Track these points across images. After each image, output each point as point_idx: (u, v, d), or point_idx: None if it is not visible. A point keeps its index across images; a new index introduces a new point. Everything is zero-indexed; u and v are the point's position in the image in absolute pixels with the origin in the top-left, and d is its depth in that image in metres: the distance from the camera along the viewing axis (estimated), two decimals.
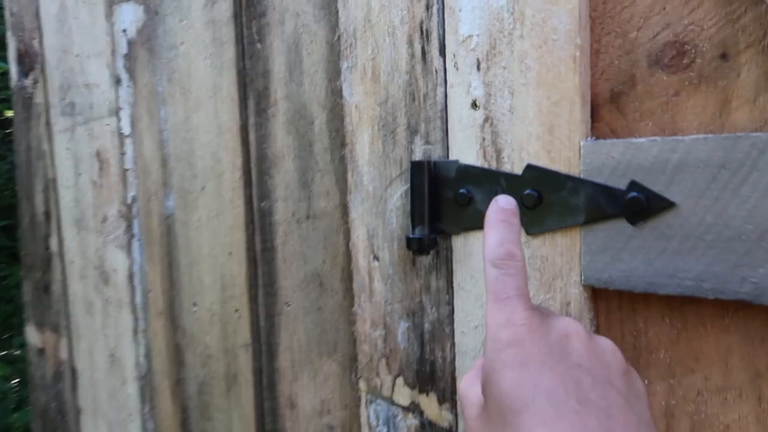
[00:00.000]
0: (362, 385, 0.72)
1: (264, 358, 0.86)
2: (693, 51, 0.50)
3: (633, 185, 0.51)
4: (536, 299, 0.57)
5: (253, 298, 0.86)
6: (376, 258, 0.69)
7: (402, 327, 0.68)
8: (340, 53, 0.69)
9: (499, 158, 0.58)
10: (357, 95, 0.68)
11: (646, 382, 0.55)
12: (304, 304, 0.81)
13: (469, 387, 0.41)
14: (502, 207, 0.45)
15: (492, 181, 0.58)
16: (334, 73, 0.74)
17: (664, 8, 0.51)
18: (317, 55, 0.75)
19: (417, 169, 0.61)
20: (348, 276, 0.76)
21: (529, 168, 0.56)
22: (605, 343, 0.39)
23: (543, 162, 0.55)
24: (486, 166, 0.59)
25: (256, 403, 0.88)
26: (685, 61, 0.51)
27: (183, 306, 0.96)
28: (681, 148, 0.48)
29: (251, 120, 0.83)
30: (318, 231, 0.78)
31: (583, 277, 0.55)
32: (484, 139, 0.59)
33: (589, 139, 0.53)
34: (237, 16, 0.83)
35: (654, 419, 0.37)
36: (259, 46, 0.81)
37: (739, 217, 0.47)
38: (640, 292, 0.53)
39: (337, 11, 0.68)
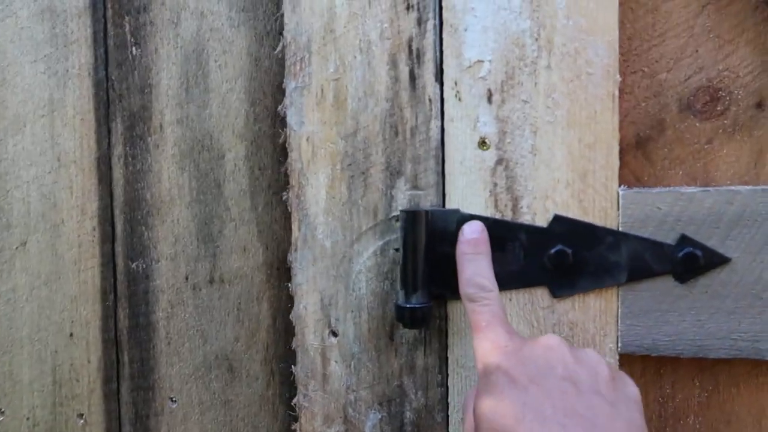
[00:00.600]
0: None
1: None
2: (728, 98, 0.48)
3: (684, 240, 0.46)
4: None
5: (110, 396, 0.62)
6: (333, 333, 0.53)
7: (372, 420, 0.53)
8: (286, 69, 0.53)
9: (516, 208, 0.49)
10: (310, 124, 0.53)
11: None
12: (202, 398, 0.60)
13: (467, 418, 0.42)
14: (467, 240, 0.47)
15: (508, 234, 0.49)
16: (261, 95, 0.57)
17: (697, 51, 0.48)
18: (233, 70, 0.58)
19: (411, 220, 0.48)
20: (276, 357, 0.59)
21: (558, 220, 0.48)
22: (590, 354, 0.40)
23: (573, 213, 0.48)
24: (498, 216, 0.49)
25: None
26: (719, 108, 0.48)
27: None
28: (738, 200, 0.45)
29: (117, 150, 0.61)
30: (227, 299, 0.59)
31: (620, 345, 0.48)
32: (495, 184, 0.49)
33: (624, 187, 0.48)
34: (97, 6, 0.61)
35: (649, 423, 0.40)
36: (135, 51, 0.60)
37: None
38: (687, 357, 0.48)
39: (282, 15, 0.53)
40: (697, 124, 0.48)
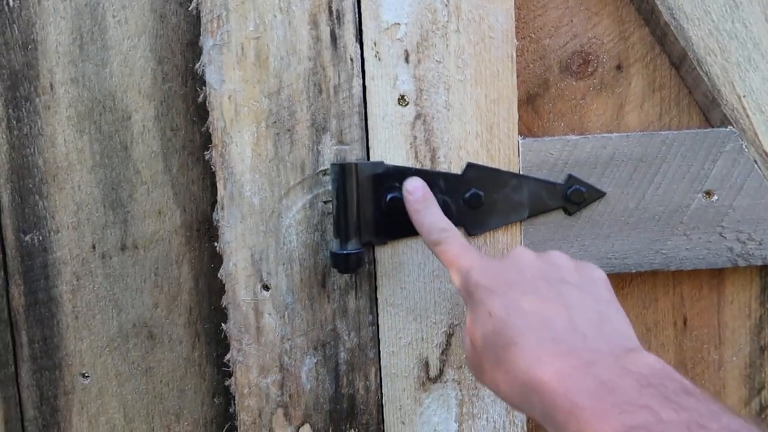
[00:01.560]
0: None
1: None
2: (596, 61, 0.58)
3: (571, 179, 0.55)
4: None
5: (7, 382, 0.58)
6: (265, 287, 0.55)
7: (307, 365, 0.56)
8: (202, 27, 0.52)
9: (434, 158, 0.54)
10: (231, 82, 0.53)
11: None
12: (119, 370, 0.58)
13: (465, 341, 0.45)
14: (414, 197, 0.51)
15: (428, 182, 0.54)
16: (169, 53, 0.56)
17: (572, 20, 0.57)
18: (135, 26, 0.55)
19: (342, 172, 0.52)
20: (200, 318, 0.59)
21: (471, 167, 0.55)
22: (553, 253, 0.46)
23: (483, 160, 0.55)
24: (419, 166, 0.54)
25: None
26: (589, 70, 0.58)
27: None
28: (610, 145, 0.55)
29: None
30: (143, 265, 0.58)
31: None
32: (415, 137, 0.54)
33: (522, 137, 0.55)
34: None
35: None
36: (12, 3, 0.54)
37: (654, 201, 0.56)
38: None
39: None
40: (574, 83, 0.58)
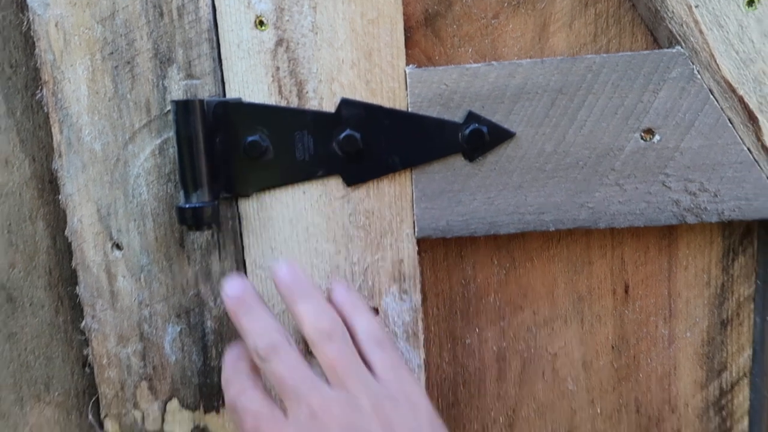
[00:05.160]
0: (110, 425, 0.51)
1: None
2: None
3: (471, 117, 0.45)
4: (363, 262, 0.47)
5: None
6: (116, 246, 0.48)
7: (171, 334, 0.49)
8: None
9: (301, 93, 0.45)
10: (57, 6, 0.45)
11: (477, 330, 0.52)
12: None
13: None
14: (234, 296, 0.41)
15: (295, 122, 0.45)
16: None
17: None
18: None
19: (184, 111, 0.43)
20: (61, 280, 0.53)
21: (345, 104, 0.45)
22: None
23: (361, 96, 0.45)
24: (284, 104, 0.45)
25: None
26: None
27: None
28: (519, 73, 0.44)
29: None
30: None
31: (417, 229, 0.47)
32: (278, 68, 0.45)
33: (413, 66, 0.45)
34: None
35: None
36: None
37: (577, 143, 0.45)
38: (479, 236, 0.48)
39: None
40: None
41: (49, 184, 0.51)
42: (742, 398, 0.52)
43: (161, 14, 0.45)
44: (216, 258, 0.48)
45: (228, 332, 0.49)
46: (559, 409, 0.53)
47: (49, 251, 0.52)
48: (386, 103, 0.45)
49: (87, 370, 0.54)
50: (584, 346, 0.52)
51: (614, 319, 0.51)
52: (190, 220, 0.44)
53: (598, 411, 0.53)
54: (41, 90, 0.46)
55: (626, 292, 0.51)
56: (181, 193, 0.44)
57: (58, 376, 0.54)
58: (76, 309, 0.53)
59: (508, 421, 0.53)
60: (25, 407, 0.55)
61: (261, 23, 0.44)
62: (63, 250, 0.52)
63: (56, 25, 0.45)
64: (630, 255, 0.50)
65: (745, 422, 0.52)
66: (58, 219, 0.52)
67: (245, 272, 0.48)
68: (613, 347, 0.52)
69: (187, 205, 0.44)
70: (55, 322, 0.53)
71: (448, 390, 0.53)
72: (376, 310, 0.48)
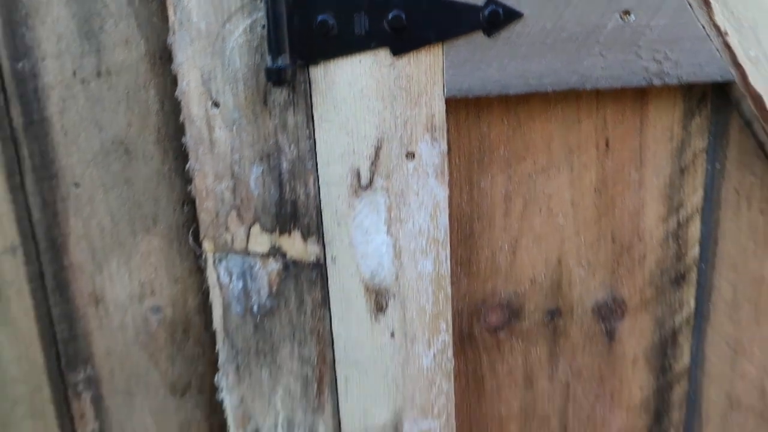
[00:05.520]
0: (207, 245, 0.67)
1: (45, 258, 0.71)
2: None
3: (490, 1, 0.59)
4: (403, 116, 0.62)
5: (16, 188, 0.69)
6: (215, 104, 0.63)
7: (255, 173, 0.65)
8: None
9: None
10: None
11: (489, 176, 0.67)
12: (104, 180, 0.69)
13: None
14: None
15: (355, 5, 0.59)
16: None
17: None
18: None
19: None
20: (167, 136, 0.68)
21: None
22: None
23: None
24: None
25: (38, 313, 0.73)
26: None
27: None
28: None
29: None
30: (116, 90, 0.66)
31: (446, 90, 0.61)
32: None
33: None
34: None
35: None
36: None
37: (571, 21, 0.59)
38: (493, 96, 0.62)
39: None
40: None
41: (159, 60, 0.66)
42: (694, 229, 0.67)
43: None
44: (291, 113, 0.63)
45: (299, 172, 0.64)
46: (552, 239, 0.68)
47: (158, 113, 0.67)
48: None
49: (185, 208, 0.70)
50: (573, 189, 0.67)
51: (597, 167, 0.66)
52: (274, 77, 0.59)
53: (582, 241, 0.68)
54: None
55: (607, 145, 0.65)
56: (269, 57, 0.59)
57: (163, 213, 0.70)
58: (178, 159, 0.68)
59: (512, 249, 0.68)
60: (137, 238, 0.70)
61: None
62: (169, 112, 0.67)
63: None
64: (610, 116, 0.64)
65: (696, 249, 0.67)
66: (165, 88, 0.66)
67: (313, 124, 0.63)
68: (595, 190, 0.66)
69: (274, 66, 0.58)
70: (161, 170, 0.69)
71: (465, 224, 0.68)
72: (413, 154, 0.63)
